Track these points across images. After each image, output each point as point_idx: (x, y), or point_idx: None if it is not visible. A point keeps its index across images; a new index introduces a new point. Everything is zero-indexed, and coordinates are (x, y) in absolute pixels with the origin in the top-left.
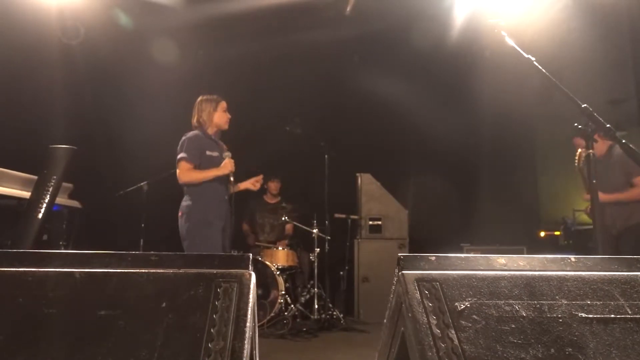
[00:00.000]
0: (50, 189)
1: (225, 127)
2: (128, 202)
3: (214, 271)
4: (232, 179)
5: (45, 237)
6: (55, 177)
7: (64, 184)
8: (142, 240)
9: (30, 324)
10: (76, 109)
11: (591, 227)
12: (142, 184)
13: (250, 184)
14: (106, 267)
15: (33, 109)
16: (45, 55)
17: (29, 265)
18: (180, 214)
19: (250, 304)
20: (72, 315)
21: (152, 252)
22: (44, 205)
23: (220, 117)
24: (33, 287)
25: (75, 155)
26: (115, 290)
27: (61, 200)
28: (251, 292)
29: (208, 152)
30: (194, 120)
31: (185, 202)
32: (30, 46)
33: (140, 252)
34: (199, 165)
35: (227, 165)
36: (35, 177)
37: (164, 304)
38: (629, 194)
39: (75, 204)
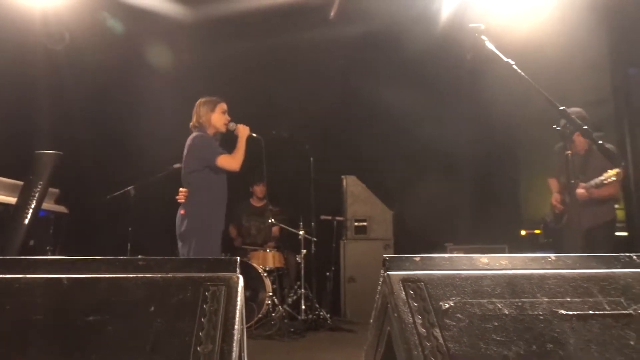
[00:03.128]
0: (37, 195)
1: (223, 129)
2: (115, 206)
3: (202, 275)
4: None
5: (31, 242)
6: (41, 182)
7: (51, 189)
8: (129, 245)
9: (19, 331)
10: (62, 114)
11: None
12: (128, 188)
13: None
14: (94, 272)
15: (18, 115)
16: (30, 60)
17: (16, 272)
18: (182, 212)
19: (238, 307)
20: (61, 321)
21: (140, 257)
22: (30, 210)
23: (217, 119)
24: (21, 294)
25: (61, 160)
26: (104, 296)
27: (48, 205)
28: (239, 295)
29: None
30: (193, 122)
31: (192, 201)
32: (14, 51)
33: (128, 257)
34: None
35: (243, 128)
36: (21, 183)
37: (152, 309)
38: (603, 190)
39: (61, 209)
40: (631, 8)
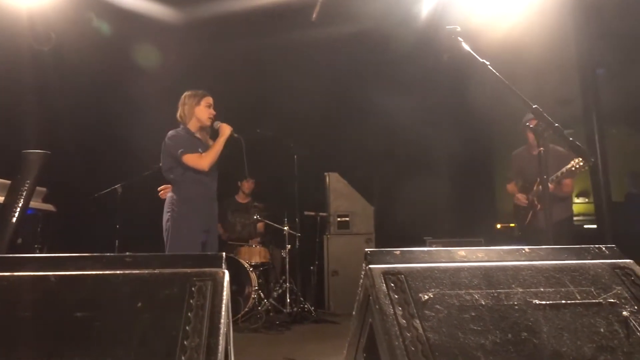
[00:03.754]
0: (24, 193)
1: (207, 123)
2: (102, 204)
3: (189, 270)
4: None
5: (19, 240)
6: (28, 181)
7: (38, 188)
8: (117, 242)
9: (7, 327)
10: (49, 113)
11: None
12: (115, 186)
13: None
14: (81, 269)
15: (6, 114)
16: (16, 61)
17: (4, 270)
18: (166, 208)
19: (224, 302)
20: (49, 317)
21: (126, 254)
22: (18, 209)
23: (202, 112)
24: (8, 292)
25: (48, 159)
26: (91, 292)
27: (35, 204)
28: (225, 289)
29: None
30: (177, 115)
31: (171, 196)
32: (0, 51)
33: (115, 254)
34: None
35: (225, 127)
36: (9, 182)
37: (139, 304)
38: (564, 186)
39: (49, 207)
40: (599, 13)
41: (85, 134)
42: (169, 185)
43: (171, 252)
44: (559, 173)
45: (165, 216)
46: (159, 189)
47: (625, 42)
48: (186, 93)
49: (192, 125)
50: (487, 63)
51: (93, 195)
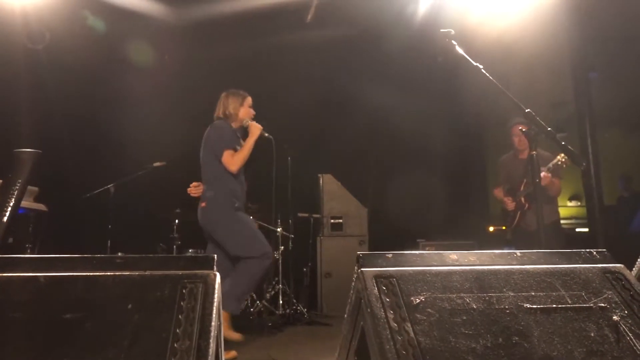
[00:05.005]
0: (16, 193)
1: (249, 124)
2: (95, 204)
3: (180, 272)
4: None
5: (10, 240)
6: (20, 180)
7: (30, 188)
8: (109, 242)
9: None
10: (41, 112)
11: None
12: (108, 186)
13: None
14: (71, 270)
15: None
16: (9, 59)
17: None
18: (203, 204)
19: (215, 304)
20: (38, 319)
21: (117, 255)
22: (9, 209)
23: (245, 113)
24: None
25: (40, 158)
26: (81, 294)
27: (27, 203)
28: (216, 291)
29: (237, 146)
30: (219, 113)
31: (209, 192)
32: None
33: (106, 255)
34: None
35: (255, 126)
36: (0, 181)
37: (130, 306)
38: (556, 180)
39: (41, 207)
40: (593, 16)
41: (78, 133)
42: (200, 183)
43: (237, 249)
44: (545, 169)
45: (204, 213)
46: (191, 186)
47: (618, 45)
48: (227, 92)
49: (235, 125)
50: (481, 66)
51: (85, 195)
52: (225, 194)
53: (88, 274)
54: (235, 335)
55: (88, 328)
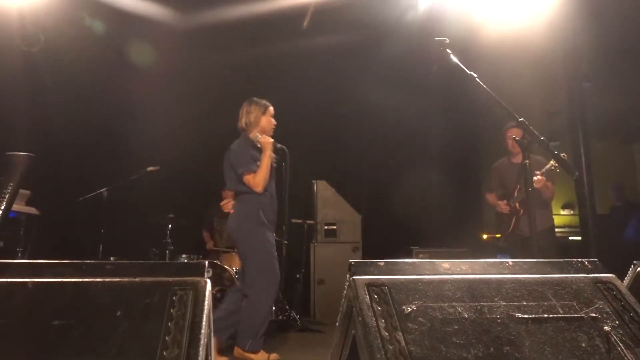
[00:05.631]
0: (7, 196)
1: (271, 133)
2: (87, 208)
3: (170, 279)
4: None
5: (1, 244)
6: (12, 184)
7: (22, 191)
8: (101, 247)
9: None
10: (34, 115)
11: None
12: (101, 190)
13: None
14: (60, 276)
15: None
16: (3, 61)
17: None
18: (232, 211)
19: (206, 311)
20: (25, 326)
21: (107, 261)
22: (0, 212)
23: (267, 122)
24: None
25: (32, 162)
26: (70, 300)
27: (18, 207)
28: (206, 299)
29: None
30: (241, 123)
31: (237, 204)
32: None
33: (96, 261)
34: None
35: (265, 142)
36: None
37: (119, 313)
38: (550, 184)
39: (32, 210)
40: (586, 27)
41: (72, 136)
42: (231, 200)
43: (250, 269)
44: (539, 172)
45: (232, 222)
46: (221, 203)
47: (612, 56)
48: (249, 100)
49: (253, 135)
50: (475, 75)
51: (78, 199)
52: (252, 208)
53: (77, 280)
54: None
55: (76, 335)
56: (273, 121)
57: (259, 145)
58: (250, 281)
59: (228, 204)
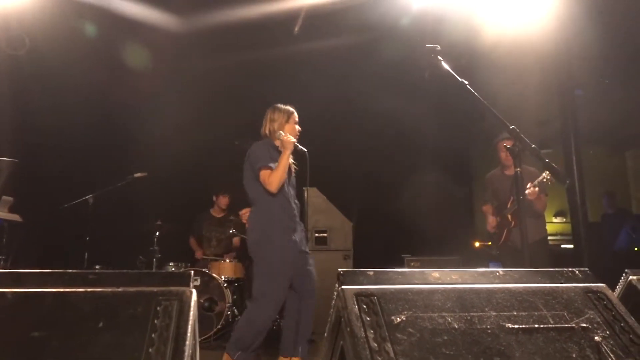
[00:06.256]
0: None
1: (294, 140)
2: (72, 215)
3: (154, 289)
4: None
5: None
6: None
7: (4, 197)
8: (86, 255)
9: None
10: (18, 120)
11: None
12: (87, 197)
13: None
14: (41, 286)
15: None
16: None
17: None
18: (248, 226)
19: (191, 322)
20: (4, 337)
21: (90, 271)
22: None
23: (291, 129)
24: None
25: (16, 168)
26: (50, 311)
27: (1, 214)
28: (192, 309)
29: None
30: (265, 130)
31: (251, 212)
32: None
33: (78, 271)
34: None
35: (287, 141)
36: None
37: (101, 324)
38: (543, 197)
39: (15, 217)
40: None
41: (56, 141)
42: (249, 209)
43: (259, 282)
44: (532, 184)
45: (251, 238)
46: (240, 212)
47: (603, 65)
48: (274, 107)
49: (278, 142)
50: (466, 82)
51: (63, 206)
52: (267, 213)
53: (58, 290)
54: None
55: (56, 347)
56: (298, 128)
57: (279, 148)
58: (255, 294)
59: (246, 213)
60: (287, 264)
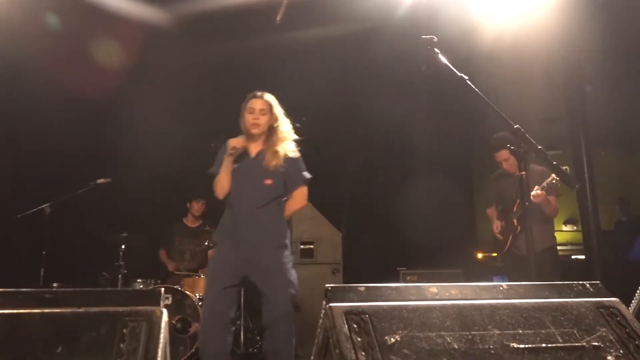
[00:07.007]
0: None
1: (252, 131)
2: (27, 227)
3: (120, 309)
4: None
5: None
6: None
7: None
8: (42, 271)
9: None
10: None
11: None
12: (43, 206)
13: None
14: None
15: None
16: None
17: None
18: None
19: (161, 345)
20: None
21: (47, 289)
22: None
23: (244, 122)
24: None
25: None
26: (2, 335)
27: None
28: (162, 331)
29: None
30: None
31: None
32: None
33: (33, 290)
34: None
35: (229, 143)
36: None
37: (60, 349)
38: (552, 199)
39: None
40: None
41: (9, 144)
42: None
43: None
44: (539, 187)
45: None
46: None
47: (614, 61)
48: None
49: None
50: (466, 78)
51: (15, 216)
52: (219, 227)
53: (10, 311)
54: None
55: None
56: (250, 118)
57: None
58: None
59: None
60: (214, 275)
